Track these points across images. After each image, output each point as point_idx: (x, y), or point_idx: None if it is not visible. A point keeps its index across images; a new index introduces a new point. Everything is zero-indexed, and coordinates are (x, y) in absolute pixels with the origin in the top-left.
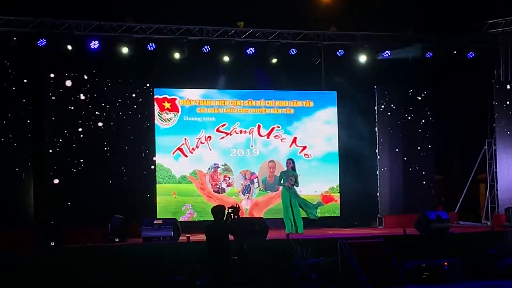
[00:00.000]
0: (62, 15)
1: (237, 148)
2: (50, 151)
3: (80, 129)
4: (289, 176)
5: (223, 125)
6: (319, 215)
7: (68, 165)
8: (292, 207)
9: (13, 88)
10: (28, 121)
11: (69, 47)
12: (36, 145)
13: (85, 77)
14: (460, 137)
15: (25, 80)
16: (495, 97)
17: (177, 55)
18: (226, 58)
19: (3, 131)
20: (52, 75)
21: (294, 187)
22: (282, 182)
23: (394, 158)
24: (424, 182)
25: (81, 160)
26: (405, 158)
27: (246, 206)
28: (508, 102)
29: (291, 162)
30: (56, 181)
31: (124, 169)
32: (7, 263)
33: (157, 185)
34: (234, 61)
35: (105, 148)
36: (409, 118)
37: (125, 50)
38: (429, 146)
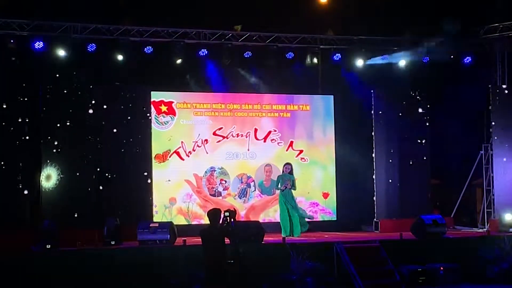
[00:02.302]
0: (59, 18)
1: (234, 152)
2: (47, 153)
3: (77, 132)
4: (286, 180)
5: (220, 129)
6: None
7: (65, 168)
8: (289, 211)
9: (11, 90)
10: (26, 123)
11: (66, 49)
12: (33, 148)
13: (82, 80)
14: (457, 141)
15: (22, 83)
16: (491, 102)
17: (174, 58)
18: (223, 62)
19: (0, 133)
20: (49, 78)
21: (292, 190)
22: (279, 186)
23: (391, 162)
24: (420, 187)
25: (78, 163)
26: (401, 162)
27: (242, 210)
28: (504, 107)
29: (288, 167)
30: (53, 183)
31: (120, 172)
32: (3, 265)
33: (153, 188)
34: (231, 64)
35: (102, 151)
36: (406, 122)
37: (121, 53)
38: (426, 150)
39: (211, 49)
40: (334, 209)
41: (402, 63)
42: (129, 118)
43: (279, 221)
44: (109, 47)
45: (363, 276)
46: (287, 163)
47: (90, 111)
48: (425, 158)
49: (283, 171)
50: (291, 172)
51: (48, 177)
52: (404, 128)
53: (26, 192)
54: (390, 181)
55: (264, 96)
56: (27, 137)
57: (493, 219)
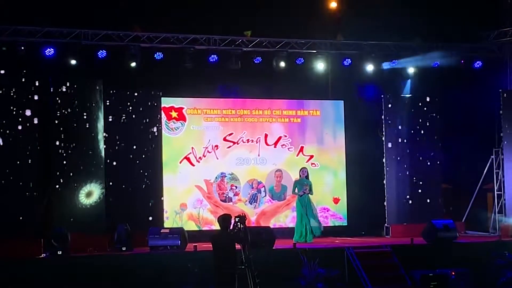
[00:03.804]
0: (70, 25)
1: (244, 157)
2: (57, 159)
3: (86, 138)
4: (303, 185)
5: (230, 134)
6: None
7: (75, 173)
8: (304, 217)
9: (21, 97)
10: (36, 129)
11: (77, 56)
12: (43, 153)
13: (92, 86)
14: (468, 146)
15: (33, 89)
16: (502, 106)
17: (184, 64)
18: (233, 67)
19: (11, 139)
20: (59, 85)
21: (309, 195)
22: (296, 191)
23: (401, 167)
24: (431, 191)
25: (88, 169)
26: (412, 167)
27: (253, 215)
28: None
29: (305, 171)
30: (62, 188)
31: (130, 178)
32: (14, 271)
33: (163, 194)
34: (241, 70)
35: (112, 157)
36: (416, 127)
37: (132, 59)
38: (437, 155)
39: (221, 55)
40: (345, 214)
41: (412, 68)
42: (139, 124)
43: (291, 226)
44: (119, 53)
45: (374, 281)
46: (304, 168)
47: (101, 117)
48: (436, 162)
49: (299, 176)
50: (307, 177)
51: (58, 183)
52: (415, 133)
53: (36, 198)
54: (401, 186)
55: (274, 102)
56: (37, 144)
57: (504, 224)
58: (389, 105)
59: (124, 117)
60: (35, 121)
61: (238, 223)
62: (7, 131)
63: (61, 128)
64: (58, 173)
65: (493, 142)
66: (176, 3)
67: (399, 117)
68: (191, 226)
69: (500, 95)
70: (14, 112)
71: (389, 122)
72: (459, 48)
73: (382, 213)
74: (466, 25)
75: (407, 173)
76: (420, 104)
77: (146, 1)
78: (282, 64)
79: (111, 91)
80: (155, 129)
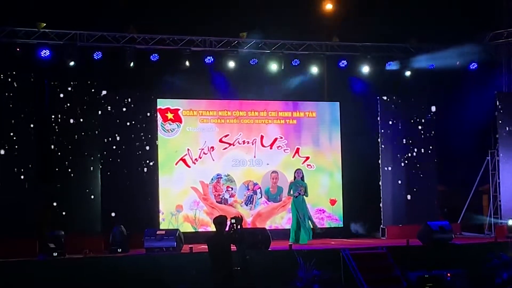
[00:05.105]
0: (65, 26)
1: (240, 159)
2: (53, 161)
3: (83, 140)
4: (298, 187)
5: (226, 136)
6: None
7: (71, 176)
8: (299, 218)
9: (17, 99)
10: (32, 131)
11: (72, 58)
12: (39, 155)
13: (88, 88)
14: (463, 147)
15: (29, 91)
16: (498, 107)
17: (180, 66)
18: (228, 69)
19: (7, 141)
20: (55, 86)
21: (304, 197)
22: (291, 192)
23: (397, 168)
24: (427, 193)
25: (84, 171)
26: (408, 169)
27: (248, 217)
28: (511, 113)
29: (300, 172)
30: (58, 190)
31: (126, 180)
32: (9, 273)
33: (159, 195)
34: (236, 71)
35: (108, 159)
36: (412, 128)
37: (127, 61)
38: (432, 157)
39: (217, 56)
40: (340, 216)
41: (407, 69)
42: (135, 125)
43: (287, 227)
44: (115, 55)
45: (370, 283)
46: (298, 169)
47: (97, 119)
48: (432, 164)
49: (294, 177)
50: (302, 178)
51: (54, 185)
52: (411, 134)
53: (32, 199)
54: (397, 187)
55: (270, 103)
56: (34, 145)
57: (500, 225)
58: (385, 107)
59: (119, 119)
60: (32, 122)
61: (234, 225)
62: (4, 133)
63: (58, 129)
64: (54, 175)
65: (489, 144)
66: (172, 5)
67: (394, 119)
68: (187, 228)
69: (496, 97)
70: (10, 114)
71: (385, 123)
72: (455, 49)
73: (378, 214)
74: (462, 27)
75: (403, 175)
76: (415, 105)
77: (142, 2)
78: (277, 65)
79: (107, 93)
80: (150, 131)
